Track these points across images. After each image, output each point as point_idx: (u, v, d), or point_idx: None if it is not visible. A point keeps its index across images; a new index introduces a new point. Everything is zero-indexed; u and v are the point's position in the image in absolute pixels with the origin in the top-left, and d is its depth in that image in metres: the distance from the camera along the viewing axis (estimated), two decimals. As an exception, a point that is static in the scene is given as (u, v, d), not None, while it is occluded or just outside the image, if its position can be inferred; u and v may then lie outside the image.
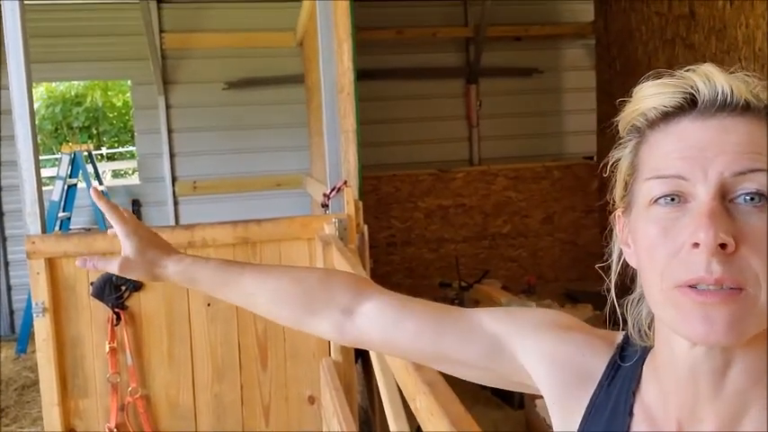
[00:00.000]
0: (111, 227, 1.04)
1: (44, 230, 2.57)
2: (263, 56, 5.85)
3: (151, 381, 2.67)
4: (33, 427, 3.92)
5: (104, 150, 13.86)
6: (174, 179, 5.84)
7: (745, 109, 0.61)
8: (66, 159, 5.36)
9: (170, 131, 5.81)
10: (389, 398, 1.78)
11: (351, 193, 2.70)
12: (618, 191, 0.70)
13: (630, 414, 0.69)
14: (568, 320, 0.81)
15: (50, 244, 2.55)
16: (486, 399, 3.60)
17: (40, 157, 2.85)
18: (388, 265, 5.85)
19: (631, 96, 0.68)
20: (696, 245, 0.57)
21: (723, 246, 0.56)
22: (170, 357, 2.68)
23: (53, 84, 12.41)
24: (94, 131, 14.05)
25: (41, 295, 2.53)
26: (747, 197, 0.58)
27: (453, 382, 0.98)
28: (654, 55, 4.80)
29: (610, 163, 0.71)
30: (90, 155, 5.84)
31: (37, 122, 2.87)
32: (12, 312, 5.66)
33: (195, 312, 2.68)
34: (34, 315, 2.54)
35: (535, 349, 0.78)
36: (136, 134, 6.12)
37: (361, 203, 2.72)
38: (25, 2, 2.56)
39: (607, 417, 0.71)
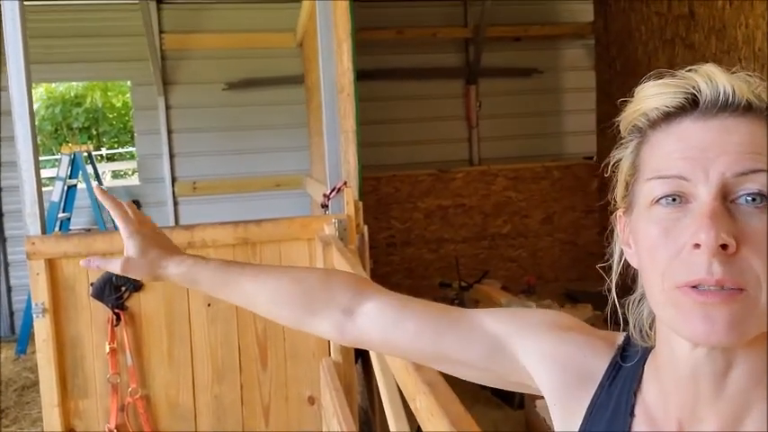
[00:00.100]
0: (114, 226, 1.04)
1: (44, 231, 2.56)
2: (263, 56, 5.84)
3: (151, 381, 2.67)
4: (33, 427, 3.92)
5: (104, 151, 13.88)
6: (173, 180, 5.84)
7: (746, 109, 0.61)
8: (65, 160, 5.36)
9: (170, 132, 5.80)
10: (389, 398, 1.78)
11: (351, 194, 2.70)
12: (619, 191, 0.70)
13: (632, 414, 0.69)
14: (569, 321, 0.80)
15: (50, 245, 2.55)
16: (486, 399, 3.60)
17: (40, 158, 2.85)
18: (388, 265, 5.85)
19: (632, 96, 0.67)
20: (697, 245, 0.57)
21: (724, 246, 0.56)
22: (170, 358, 2.68)
23: (53, 84, 12.42)
24: (94, 132, 14.07)
25: (41, 296, 2.53)
26: (749, 198, 0.58)
27: (453, 382, 0.98)
28: (654, 55, 4.80)
29: (611, 163, 0.71)
30: (90, 155, 5.84)
31: (37, 123, 2.86)
32: (12, 313, 5.65)
33: (195, 313, 2.68)
34: (34, 316, 2.54)
35: (536, 350, 0.78)
36: (135, 135, 6.12)
37: (360, 204, 2.72)
38: (25, 2, 2.56)
39: (608, 417, 0.71)
